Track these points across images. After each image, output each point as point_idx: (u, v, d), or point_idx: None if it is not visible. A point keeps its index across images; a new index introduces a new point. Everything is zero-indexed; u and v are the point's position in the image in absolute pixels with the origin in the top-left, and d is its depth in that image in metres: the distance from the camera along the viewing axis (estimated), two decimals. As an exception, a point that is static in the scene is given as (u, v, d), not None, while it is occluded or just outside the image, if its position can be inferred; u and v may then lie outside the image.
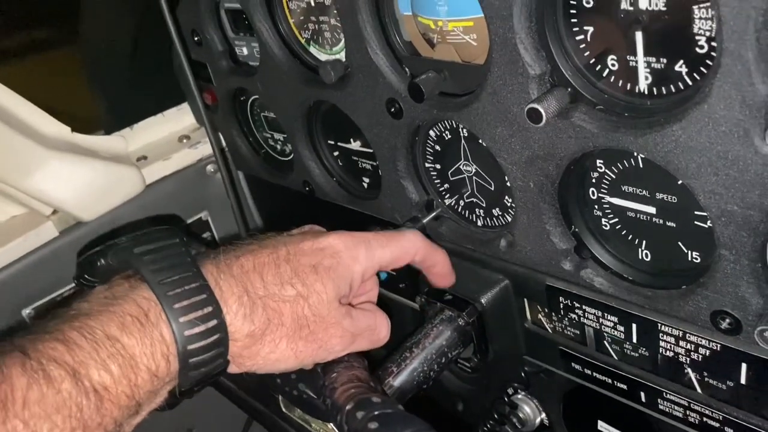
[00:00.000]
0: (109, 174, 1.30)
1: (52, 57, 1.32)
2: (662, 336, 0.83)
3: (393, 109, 0.96)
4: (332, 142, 1.20)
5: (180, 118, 1.45)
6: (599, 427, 1.07)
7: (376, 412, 0.63)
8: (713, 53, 0.63)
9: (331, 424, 0.85)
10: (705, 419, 0.85)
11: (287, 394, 0.84)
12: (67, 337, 0.62)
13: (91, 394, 0.61)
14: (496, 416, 1.16)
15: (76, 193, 1.26)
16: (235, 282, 0.74)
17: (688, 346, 0.81)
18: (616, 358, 0.92)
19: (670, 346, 0.83)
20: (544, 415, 1.14)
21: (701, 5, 0.62)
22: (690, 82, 0.68)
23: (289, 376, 0.83)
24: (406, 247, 0.89)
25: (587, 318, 0.90)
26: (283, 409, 0.92)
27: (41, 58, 1.31)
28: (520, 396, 1.15)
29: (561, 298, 0.92)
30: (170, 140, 1.42)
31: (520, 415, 1.15)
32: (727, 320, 0.73)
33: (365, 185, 1.20)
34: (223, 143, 1.41)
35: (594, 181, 0.83)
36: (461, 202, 1.03)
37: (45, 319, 0.67)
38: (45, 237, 1.25)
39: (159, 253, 0.72)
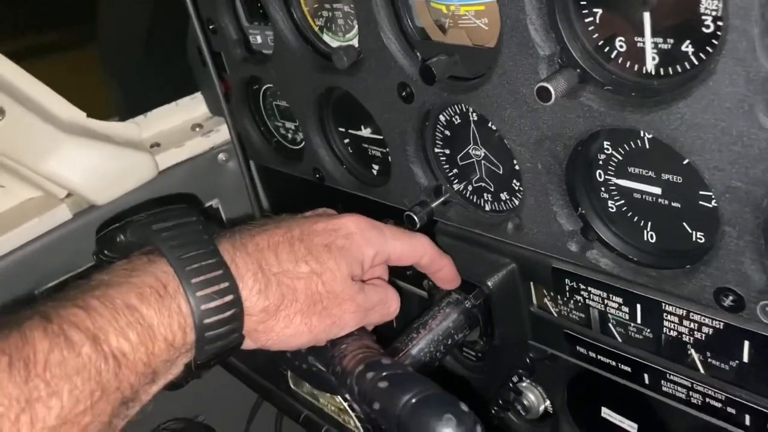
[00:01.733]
0: (122, 159, 1.32)
1: (70, 44, 1.35)
2: (666, 316, 0.84)
3: (404, 93, 0.98)
4: (343, 130, 1.22)
5: (193, 107, 1.47)
6: (603, 414, 1.08)
7: (385, 373, 0.64)
8: (719, 33, 0.65)
9: (339, 397, 0.87)
10: (708, 400, 0.86)
11: (297, 369, 0.86)
12: (88, 304, 0.64)
13: (110, 359, 0.63)
14: (500, 402, 1.17)
15: (91, 177, 1.29)
16: (251, 259, 0.76)
17: (692, 326, 0.82)
18: (620, 340, 0.93)
19: (674, 326, 0.84)
20: (548, 402, 1.15)
21: (709, -15, 0.64)
22: (696, 62, 0.69)
23: (299, 350, 0.84)
24: (415, 246, 0.92)
25: (592, 300, 0.92)
26: (292, 386, 0.94)
27: (59, 45, 1.33)
28: (524, 383, 1.16)
29: (567, 280, 0.93)
30: (183, 128, 1.45)
31: (525, 402, 1.16)
32: (731, 297, 0.75)
33: (375, 172, 1.22)
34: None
35: (601, 162, 0.85)
36: (469, 187, 1.05)
37: (66, 289, 0.68)
38: (59, 219, 1.27)
39: (177, 230, 0.74)
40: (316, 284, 0.79)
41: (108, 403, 0.63)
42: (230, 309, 0.71)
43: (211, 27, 1.28)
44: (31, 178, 1.26)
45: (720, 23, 0.64)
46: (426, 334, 0.97)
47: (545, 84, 0.73)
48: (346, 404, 0.87)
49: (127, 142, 1.35)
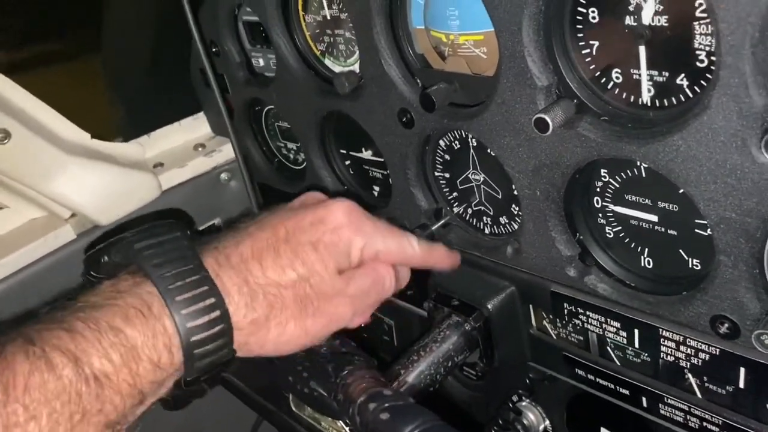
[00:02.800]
0: (126, 179, 1.33)
1: (74, 66, 1.36)
2: (663, 341, 0.85)
3: (405, 119, 0.99)
4: (344, 152, 1.24)
5: (196, 127, 1.49)
6: (602, 434, 1.09)
7: (387, 404, 0.65)
8: (713, 67, 0.66)
9: (341, 422, 0.88)
10: (705, 424, 0.87)
11: (298, 393, 0.87)
12: (72, 326, 0.64)
13: (91, 380, 0.62)
14: (500, 422, 1.18)
15: (94, 197, 1.30)
16: (235, 272, 0.75)
17: (689, 351, 0.83)
18: (618, 363, 0.94)
19: (671, 351, 0.85)
20: (548, 422, 1.16)
21: (701, 21, 0.66)
22: (691, 95, 0.71)
23: (300, 374, 0.85)
24: (404, 246, 0.89)
25: (591, 324, 0.93)
26: (294, 408, 0.95)
27: (63, 67, 1.35)
28: (524, 403, 1.17)
29: (565, 304, 0.94)
30: (186, 148, 1.46)
31: (525, 421, 1.17)
32: (726, 325, 0.76)
33: (375, 194, 1.23)
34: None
35: (598, 190, 0.86)
36: (469, 210, 1.06)
37: (53, 311, 0.68)
38: (63, 239, 1.28)
39: (160, 247, 0.73)
40: (304, 288, 0.78)
41: (90, 425, 0.63)
42: (218, 325, 0.71)
43: (214, 50, 1.30)
44: (35, 199, 1.27)
45: (714, 58, 0.66)
46: (426, 356, 0.98)
47: (542, 115, 0.75)
48: (348, 429, 0.88)
49: (130, 163, 1.36)
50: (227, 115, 1.23)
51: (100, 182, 1.30)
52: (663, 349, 0.86)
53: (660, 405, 0.91)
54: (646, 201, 0.82)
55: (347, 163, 1.25)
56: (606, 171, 0.84)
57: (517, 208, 0.97)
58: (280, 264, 0.78)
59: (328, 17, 1.08)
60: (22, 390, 0.59)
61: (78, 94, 1.36)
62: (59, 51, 1.33)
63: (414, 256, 0.91)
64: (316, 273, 0.79)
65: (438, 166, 1.06)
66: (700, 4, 0.65)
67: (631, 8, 0.71)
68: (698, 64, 0.68)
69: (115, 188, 1.32)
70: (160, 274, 0.69)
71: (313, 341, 0.81)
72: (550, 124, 0.75)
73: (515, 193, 0.93)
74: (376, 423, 0.64)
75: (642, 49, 0.72)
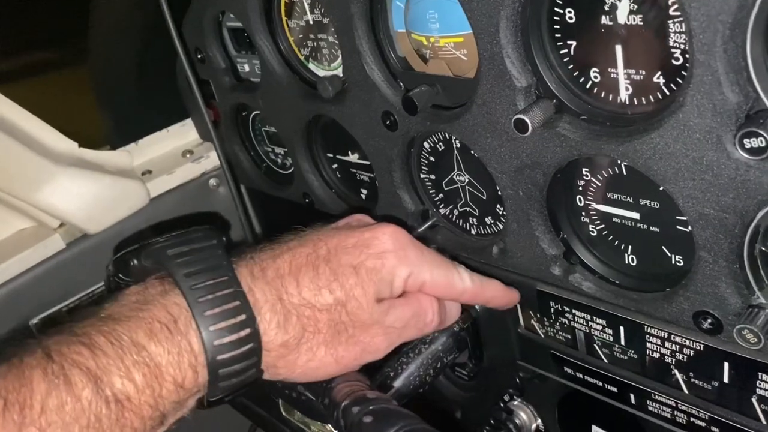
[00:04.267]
0: (114, 188, 1.33)
1: (60, 75, 1.37)
2: (649, 338, 0.85)
3: (388, 122, 0.99)
4: (331, 155, 1.24)
5: (184, 134, 1.49)
6: (593, 432, 1.09)
7: (371, 407, 0.66)
8: (688, 65, 0.67)
9: (329, 425, 0.88)
10: (692, 419, 0.87)
11: (287, 397, 0.87)
12: (93, 341, 0.61)
13: (111, 403, 0.59)
14: (492, 422, 1.18)
15: (83, 206, 1.30)
16: (269, 288, 0.71)
17: (674, 347, 0.83)
18: (606, 361, 0.94)
19: (657, 348, 0.85)
20: (539, 421, 1.16)
21: (675, 20, 0.66)
22: (668, 93, 0.71)
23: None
24: (453, 280, 0.83)
25: (577, 322, 0.93)
26: (283, 413, 0.95)
27: (49, 77, 1.35)
28: (516, 402, 1.17)
29: (551, 303, 0.95)
30: (174, 155, 1.46)
31: (516, 421, 1.17)
32: (709, 320, 0.76)
33: (363, 196, 1.23)
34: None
35: (580, 188, 0.86)
36: (455, 212, 1.07)
37: (75, 318, 0.65)
38: (52, 249, 1.28)
39: (193, 255, 0.68)
40: (340, 314, 0.74)
41: None
42: (247, 344, 0.66)
43: (199, 56, 1.30)
44: (23, 209, 1.27)
45: (688, 56, 0.66)
46: (415, 357, 0.98)
47: (522, 116, 0.75)
48: (336, 432, 0.89)
49: (118, 171, 1.37)
50: (210, 121, 1.23)
51: (88, 191, 1.30)
52: (648, 345, 0.86)
53: (648, 401, 0.92)
54: (628, 199, 0.82)
55: (334, 166, 1.25)
56: (587, 170, 0.84)
57: (501, 209, 0.98)
58: (318, 284, 0.73)
59: (311, 22, 1.08)
60: (39, 412, 0.56)
61: (64, 104, 1.36)
62: (44, 61, 1.34)
63: (464, 291, 0.85)
64: (353, 298, 0.74)
65: (423, 168, 1.06)
66: (674, 3, 0.65)
67: (606, 8, 0.71)
68: (673, 62, 0.69)
69: (104, 197, 1.32)
70: (191, 285, 0.66)
71: (343, 371, 0.76)
72: (530, 124, 0.75)
73: (499, 193, 0.93)
74: (359, 426, 0.65)
75: (618, 48, 0.72)
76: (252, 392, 1.05)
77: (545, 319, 0.98)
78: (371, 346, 0.77)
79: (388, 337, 0.78)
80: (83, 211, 1.30)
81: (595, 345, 0.94)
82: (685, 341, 0.81)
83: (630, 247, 0.86)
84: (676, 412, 0.89)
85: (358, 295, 0.74)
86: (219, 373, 0.65)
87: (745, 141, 0.61)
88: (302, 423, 0.91)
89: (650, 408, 0.92)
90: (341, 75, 1.05)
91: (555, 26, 0.77)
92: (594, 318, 0.90)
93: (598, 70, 0.76)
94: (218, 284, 0.67)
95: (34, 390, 0.57)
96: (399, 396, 0.94)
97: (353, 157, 1.20)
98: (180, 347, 0.64)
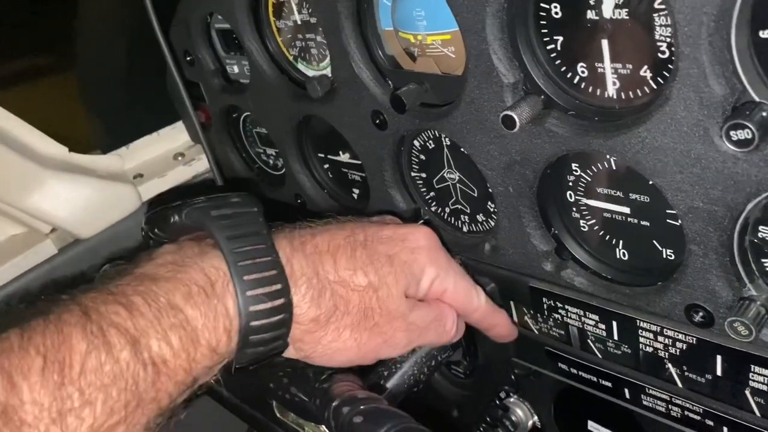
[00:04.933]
0: (106, 192, 1.33)
1: (50, 80, 1.36)
2: (641, 332, 0.85)
3: (378, 121, 0.99)
4: (322, 155, 1.24)
5: (175, 137, 1.48)
6: (589, 428, 1.09)
7: (361, 407, 0.65)
8: (674, 58, 0.67)
9: (323, 426, 0.88)
10: (687, 413, 0.87)
11: (280, 398, 0.87)
12: (130, 301, 0.60)
13: (148, 366, 0.59)
14: (488, 420, 1.18)
15: (75, 211, 1.29)
16: (307, 262, 0.71)
17: (666, 341, 0.83)
18: (600, 356, 0.94)
19: (650, 342, 0.85)
20: (536, 417, 1.16)
21: (660, 13, 0.66)
22: (655, 86, 0.71)
23: (281, 380, 0.85)
24: (471, 293, 0.87)
25: (570, 318, 0.93)
26: (278, 415, 0.95)
27: (39, 82, 1.34)
28: (512, 399, 1.17)
29: (544, 299, 0.94)
30: (166, 158, 1.46)
31: (513, 418, 1.17)
32: (700, 313, 0.76)
33: (355, 196, 1.23)
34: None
35: (570, 184, 0.86)
36: (447, 209, 1.06)
37: (110, 274, 0.64)
38: (44, 255, 1.28)
39: (235, 219, 0.68)
40: (370, 298, 0.74)
41: (143, 415, 0.59)
42: (279, 314, 0.66)
43: (188, 58, 1.30)
44: (14, 215, 1.27)
45: (674, 49, 0.66)
46: (409, 356, 0.97)
47: (509, 112, 0.75)
48: (329, 433, 0.88)
49: (110, 175, 1.36)
50: (198, 123, 1.22)
51: (79, 196, 1.30)
52: (641, 340, 0.86)
53: (642, 396, 0.92)
54: (618, 193, 0.82)
55: (326, 166, 1.25)
56: (577, 165, 0.84)
57: (492, 206, 0.97)
58: (354, 265, 0.74)
59: (299, 22, 1.08)
60: (78, 372, 0.55)
61: (54, 109, 1.36)
62: (33, 66, 1.33)
63: (478, 308, 0.88)
64: (386, 285, 0.75)
65: (414, 166, 1.06)
66: (658, -4, 0.65)
67: (592, 2, 0.71)
68: (660, 55, 0.69)
69: (95, 201, 1.31)
70: (232, 248, 0.65)
71: (362, 360, 0.77)
72: (517, 121, 0.75)
73: (490, 190, 0.93)
74: (350, 426, 0.64)
75: (605, 43, 0.72)
76: (247, 394, 1.05)
77: (538, 315, 0.98)
78: (393, 339, 0.77)
79: (409, 335, 0.79)
80: (75, 215, 1.29)
81: (589, 340, 0.94)
82: (677, 335, 0.81)
83: (621, 241, 0.86)
84: (670, 406, 0.89)
85: (390, 283, 0.76)
86: (250, 340, 0.65)
87: (732, 133, 0.61)
88: (296, 425, 0.91)
89: (645, 402, 0.92)
90: (330, 75, 1.05)
91: (541, 22, 0.76)
92: (587, 313, 0.90)
93: (585, 65, 0.76)
94: (258, 250, 0.67)
95: (73, 349, 0.56)
96: (393, 395, 0.94)
97: (344, 157, 1.19)
98: (216, 311, 0.63)
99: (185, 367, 0.62)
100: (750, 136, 0.60)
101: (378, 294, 0.75)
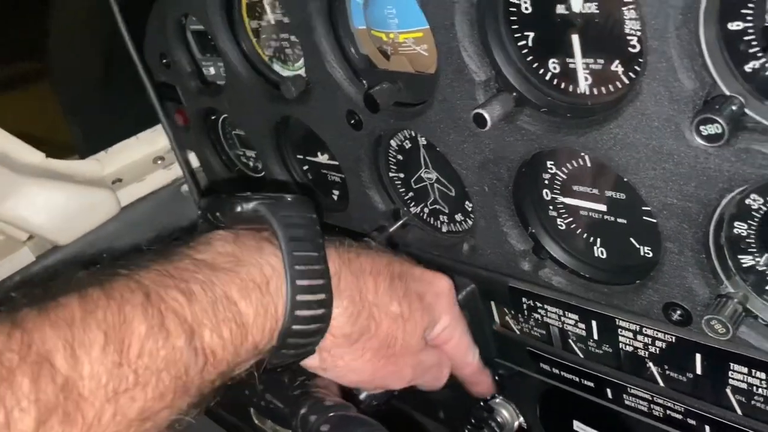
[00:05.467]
0: (84, 198, 1.31)
1: (25, 86, 1.34)
2: (621, 331, 0.84)
3: (353, 121, 0.98)
4: (301, 157, 1.22)
5: (154, 140, 1.46)
6: (575, 428, 1.08)
7: (329, 415, 0.64)
8: (644, 52, 0.65)
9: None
10: (669, 412, 0.86)
11: (256, 405, 0.85)
12: (190, 289, 0.61)
13: (200, 356, 0.60)
14: (473, 422, 1.16)
15: (52, 218, 1.27)
16: (353, 279, 0.73)
17: (646, 340, 0.82)
18: (581, 356, 0.93)
19: (629, 341, 0.84)
20: (522, 418, 1.15)
21: (629, 6, 0.65)
22: (627, 81, 0.70)
23: (255, 387, 0.84)
24: (468, 350, 0.93)
25: (550, 317, 0.92)
26: (256, 422, 0.93)
27: (13, 88, 1.32)
28: (497, 400, 1.16)
29: (524, 299, 0.93)
30: (145, 162, 1.44)
31: (498, 419, 1.16)
32: (678, 312, 0.75)
33: (335, 197, 1.22)
34: (196, 162, 1.43)
35: (546, 182, 0.85)
36: (426, 210, 1.05)
37: (169, 255, 0.64)
38: (21, 263, 1.26)
39: (298, 221, 0.70)
40: (398, 328, 0.78)
41: (187, 400, 0.60)
42: (318, 322, 0.68)
43: (164, 61, 1.28)
44: (-10, 223, 1.25)
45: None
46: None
47: (480, 111, 0.74)
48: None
49: (88, 181, 1.34)
50: (169, 127, 1.21)
51: (57, 202, 1.28)
52: (621, 339, 0.85)
53: (624, 395, 0.90)
54: (594, 191, 0.81)
55: (305, 168, 1.23)
56: (552, 163, 0.83)
57: (470, 205, 0.96)
58: (391, 294, 0.78)
59: (273, 22, 1.07)
60: (136, 354, 0.56)
61: (30, 114, 1.34)
62: (7, 72, 1.31)
63: (470, 364, 0.95)
64: (413, 319, 0.79)
65: (392, 166, 1.05)
66: (627, -11, 0.64)
67: (561, -4, 0.69)
68: (631, 49, 0.67)
69: (73, 207, 1.29)
70: (292, 251, 0.66)
71: (369, 384, 0.80)
72: (488, 119, 0.74)
73: (467, 189, 0.91)
74: (318, 435, 0.63)
75: (575, 38, 0.71)
76: (226, 402, 1.04)
77: (519, 315, 0.97)
78: (402, 372, 0.81)
79: (414, 371, 0.83)
80: (52, 222, 1.28)
81: (570, 340, 0.92)
82: (656, 334, 0.80)
83: (599, 239, 0.84)
84: (652, 406, 0.87)
85: (417, 319, 0.80)
86: (287, 342, 0.66)
87: (702, 128, 0.60)
88: (273, 431, 0.90)
89: (627, 402, 0.90)
90: (304, 75, 1.03)
91: (512, 17, 0.75)
92: (566, 313, 0.89)
93: (557, 61, 0.74)
94: (313, 257, 0.68)
95: (134, 330, 0.56)
96: (372, 400, 0.93)
97: (323, 158, 1.18)
98: (267, 310, 0.64)
99: (230, 360, 0.63)
100: (720, 131, 0.59)
101: (405, 326, 0.79)
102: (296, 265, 0.66)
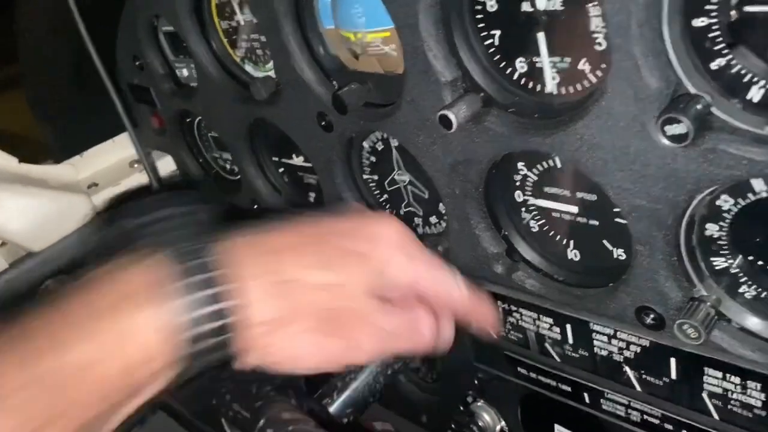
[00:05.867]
0: (59, 203, 1.29)
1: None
2: (595, 335, 0.82)
3: (324, 123, 0.96)
4: (276, 159, 1.20)
5: (130, 144, 1.44)
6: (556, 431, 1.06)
7: (289, 428, 0.62)
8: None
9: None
10: (646, 417, 0.84)
11: (224, 415, 0.83)
12: (67, 304, 0.59)
13: (76, 370, 0.57)
14: (453, 426, 1.15)
15: (26, 224, 1.25)
16: (261, 261, 0.66)
17: (621, 344, 0.80)
18: (558, 360, 0.91)
19: (604, 345, 0.82)
20: (503, 422, 1.13)
21: (594, 3, 0.63)
22: (594, 80, 0.68)
23: (224, 397, 0.82)
24: (449, 281, 0.76)
25: (525, 321, 0.90)
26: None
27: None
28: (479, 404, 1.14)
29: (499, 302, 0.91)
30: (121, 166, 1.42)
31: (480, 423, 1.14)
32: (651, 315, 0.73)
33: (311, 200, 1.20)
34: (173, 166, 1.41)
35: (518, 183, 0.83)
36: (401, 212, 1.03)
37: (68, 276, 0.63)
38: (-7, 269, 1.24)
39: (171, 221, 0.68)
40: (332, 298, 0.68)
41: (72, 420, 0.57)
42: (226, 317, 0.62)
43: (137, 63, 1.26)
44: (-38, 230, 1.23)
45: (609, 41, 0.63)
46: (364, 367, 0.94)
47: (445, 112, 0.72)
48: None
49: (63, 185, 1.32)
50: (131, 128, 1.19)
51: (30, 208, 1.25)
52: (596, 343, 0.83)
53: (601, 400, 0.89)
54: (565, 192, 0.79)
55: (281, 170, 1.21)
56: (523, 164, 0.81)
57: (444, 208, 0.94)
58: (310, 262, 0.69)
59: (242, 23, 1.04)
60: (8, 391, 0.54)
61: (2, 118, 1.32)
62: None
63: (460, 299, 0.77)
64: (350, 283, 0.69)
65: (365, 168, 1.03)
66: (590, -15, 0.62)
67: (525, -7, 0.68)
68: (597, 47, 0.65)
69: (47, 213, 1.27)
70: (171, 251, 0.62)
71: (328, 365, 0.71)
72: (454, 120, 0.72)
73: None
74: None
75: (541, 36, 0.69)
76: (197, 410, 1.02)
77: (495, 319, 0.95)
78: (358, 343, 0.70)
79: (375, 339, 0.71)
80: (25, 229, 1.25)
81: (547, 344, 0.91)
82: (631, 338, 0.78)
83: (572, 242, 0.82)
84: (629, 410, 0.86)
85: (354, 279, 0.69)
86: (195, 348, 0.61)
87: (666, 128, 0.58)
88: (244, 441, 0.88)
89: (604, 407, 0.89)
90: (274, 76, 1.01)
91: (477, 16, 0.73)
92: (540, 317, 0.87)
93: (524, 60, 0.72)
94: (199, 250, 0.63)
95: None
96: (347, 407, 0.91)
97: (298, 160, 1.16)
98: (156, 315, 0.60)
99: (121, 371, 0.59)
100: (685, 131, 0.57)
101: (341, 292, 0.69)
102: (180, 263, 0.62)
